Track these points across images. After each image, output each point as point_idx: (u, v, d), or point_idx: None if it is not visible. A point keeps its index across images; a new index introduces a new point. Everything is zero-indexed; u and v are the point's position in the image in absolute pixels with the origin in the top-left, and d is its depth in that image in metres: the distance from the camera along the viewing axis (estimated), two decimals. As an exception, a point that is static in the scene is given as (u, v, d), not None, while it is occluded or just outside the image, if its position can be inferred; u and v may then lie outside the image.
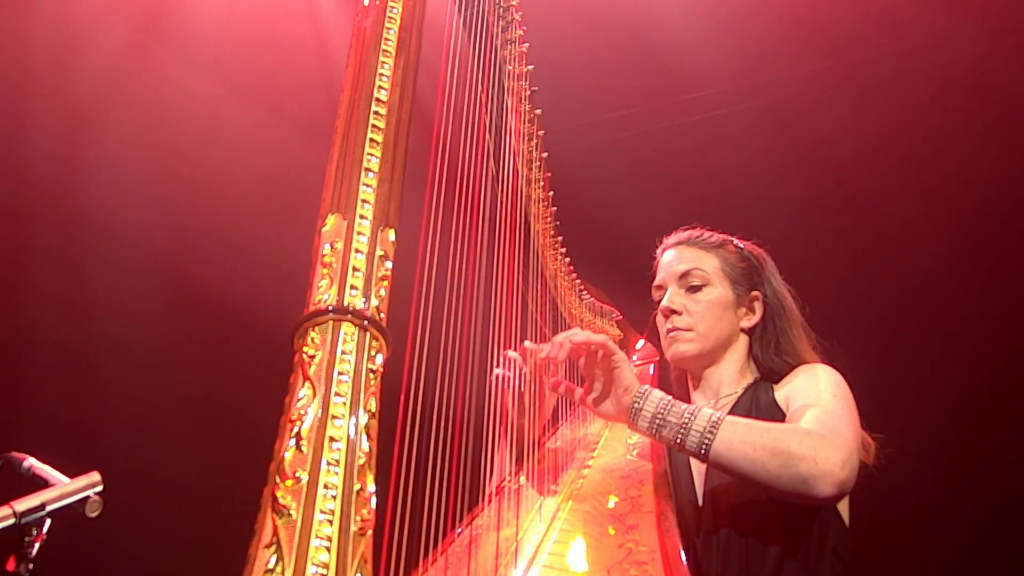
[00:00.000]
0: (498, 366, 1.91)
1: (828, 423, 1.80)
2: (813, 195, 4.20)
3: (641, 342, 2.74)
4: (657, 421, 1.75)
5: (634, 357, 2.62)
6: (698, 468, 1.99)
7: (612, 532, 1.71)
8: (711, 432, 1.73)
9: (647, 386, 1.80)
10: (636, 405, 1.77)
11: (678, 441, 1.74)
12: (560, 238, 2.39)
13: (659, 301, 2.22)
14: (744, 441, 1.71)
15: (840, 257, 4.19)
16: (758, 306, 2.19)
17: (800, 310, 2.20)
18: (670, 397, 1.79)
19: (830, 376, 1.98)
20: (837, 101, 4.16)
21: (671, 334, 2.16)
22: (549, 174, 2.34)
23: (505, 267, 1.93)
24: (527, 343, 1.94)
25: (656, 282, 2.26)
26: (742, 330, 2.17)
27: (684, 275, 2.19)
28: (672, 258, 2.25)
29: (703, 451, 1.73)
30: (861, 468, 1.96)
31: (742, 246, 2.26)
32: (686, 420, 1.75)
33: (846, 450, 1.72)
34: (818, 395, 1.91)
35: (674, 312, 2.16)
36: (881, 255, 4.15)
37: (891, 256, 4.13)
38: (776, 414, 1.95)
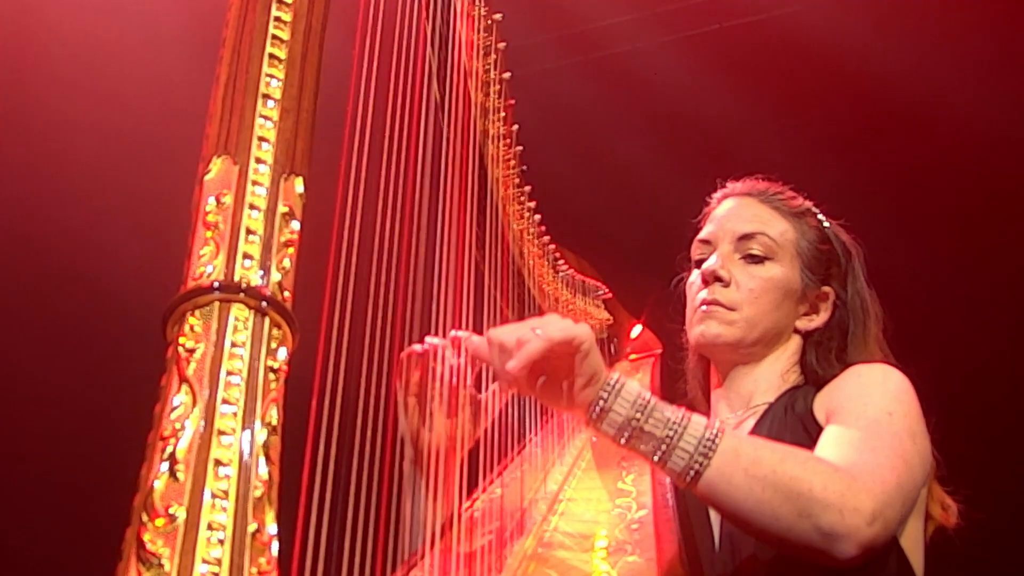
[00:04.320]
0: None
1: (865, 455, 1.78)
2: (850, 135, 4.23)
3: (638, 328, 2.75)
4: (631, 428, 1.65)
5: (628, 349, 2.64)
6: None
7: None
8: (704, 453, 1.64)
9: (617, 374, 1.68)
10: (602, 403, 1.64)
11: (657, 458, 1.66)
12: (527, 188, 2.39)
13: (699, 260, 2.21)
14: (750, 474, 1.65)
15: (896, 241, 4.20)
16: (825, 307, 2.17)
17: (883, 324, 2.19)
18: (650, 394, 1.68)
19: (888, 382, 1.97)
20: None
21: (706, 307, 2.13)
22: (513, 101, 2.34)
23: (453, 228, 1.93)
24: (457, 332, 1.88)
25: (703, 235, 2.24)
26: (796, 330, 2.17)
27: (746, 237, 2.17)
28: (733, 210, 2.23)
29: (690, 477, 1.65)
30: (937, 533, 1.97)
31: (827, 224, 2.25)
32: (672, 432, 1.65)
33: (881, 498, 1.70)
34: (865, 408, 1.89)
35: (719, 279, 2.14)
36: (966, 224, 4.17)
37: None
38: (809, 426, 1.96)
